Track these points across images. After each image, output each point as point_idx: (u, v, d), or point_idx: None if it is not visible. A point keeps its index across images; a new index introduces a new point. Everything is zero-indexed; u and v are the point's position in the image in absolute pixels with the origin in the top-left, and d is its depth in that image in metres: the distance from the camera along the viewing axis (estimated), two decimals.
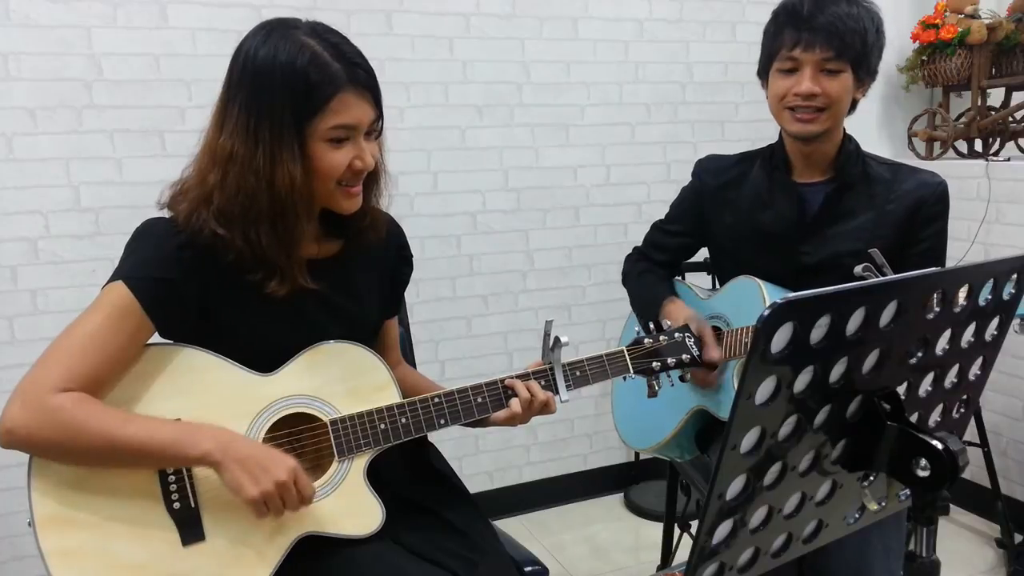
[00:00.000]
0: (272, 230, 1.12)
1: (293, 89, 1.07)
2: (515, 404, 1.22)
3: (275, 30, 1.09)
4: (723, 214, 1.64)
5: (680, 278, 1.81)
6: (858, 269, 1.35)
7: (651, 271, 1.76)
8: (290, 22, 1.11)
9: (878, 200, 1.51)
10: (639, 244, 1.83)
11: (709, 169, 1.68)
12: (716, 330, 1.58)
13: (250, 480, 1.04)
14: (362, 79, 1.10)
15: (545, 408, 1.25)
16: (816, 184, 1.55)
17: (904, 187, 1.51)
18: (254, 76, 1.08)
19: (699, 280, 1.85)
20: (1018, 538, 2.37)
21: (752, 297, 1.51)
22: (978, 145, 2.72)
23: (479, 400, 1.22)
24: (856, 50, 1.41)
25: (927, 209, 1.49)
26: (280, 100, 1.07)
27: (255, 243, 1.12)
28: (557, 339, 1.23)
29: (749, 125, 2.84)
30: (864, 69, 1.45)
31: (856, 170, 1.53)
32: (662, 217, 1.79)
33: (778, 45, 1.46)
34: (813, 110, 1.44)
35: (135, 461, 1.08)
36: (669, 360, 1.32)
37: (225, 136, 1.10)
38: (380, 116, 1.15)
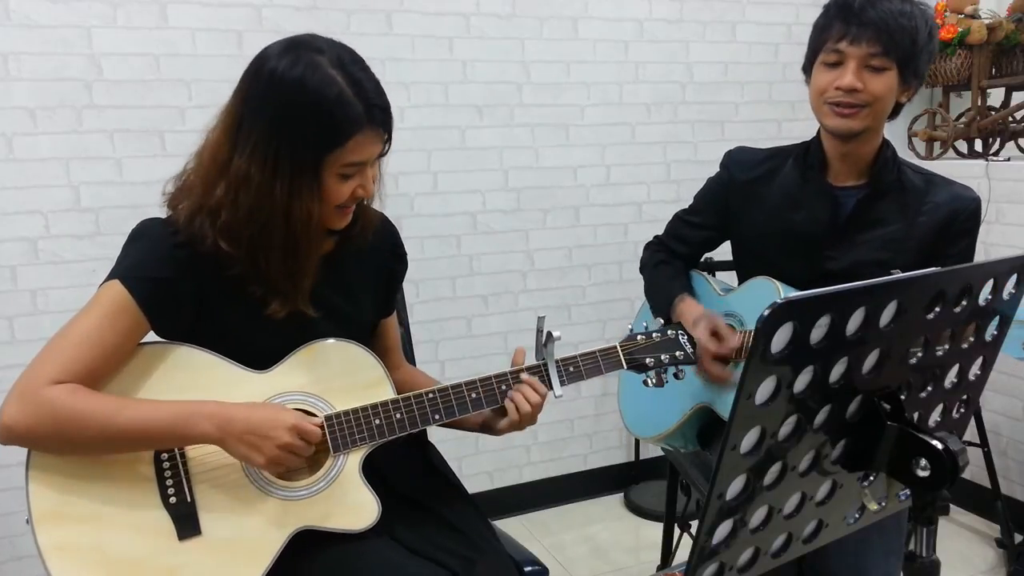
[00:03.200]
0: (282, 259, 1.13)
1: (318, 125, 1.06)
2: (513, 413, 1.22)
3: (303, 54, 1.07)
4: (750, 210, 1.60)
5: (699, 271, 1.78)
6: None
7: (668, 262, 1.72)
8: (314, 44, 1.09)
9: (910, 211, 1.47)
10: (660, 233, 1.79)
11: (739, 162, 1.64)
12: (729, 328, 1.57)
13: (254, 451, 1.08)
14: (379, 119, 1.10)
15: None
16: (850, 188, 1.51)
17: (937, 199, 1.47)
18: (279, 101, 1.06)
19: None
20: (1018, 538, 2.37)
21: (768, 298, 1.49)
22: (978, 145, 2.72)
23: (473, 396, 1.22)
24: (904, 49, 1.37)
25: (959, 224, 1.46)
26: (302, 134, 1.06)
27: (262, 267, 1.13)
28: (549, 334, 1.23)
29: (749, 125, 2.84)
30: (911, 70, 1.40)
31: (891, 177, 1.49)
32: (685, 207, 1.75)
33: (825, 38, 1.42)
34: (854, 106, 1.40)
35: (134, 446, 1.09)
36: (662, 357, 1.32)
37: (240, 158, 1.08)
38: (388, 140, 1.15)
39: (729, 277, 1.80)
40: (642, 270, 1.78)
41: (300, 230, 1.11)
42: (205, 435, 1.08)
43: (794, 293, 1.47)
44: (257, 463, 1.09)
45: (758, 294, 1.54)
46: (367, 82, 1.09)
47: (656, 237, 1.80)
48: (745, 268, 1.66)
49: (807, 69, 1.50)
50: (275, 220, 1.10)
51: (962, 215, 1.46)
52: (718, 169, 1.68)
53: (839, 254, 1.50)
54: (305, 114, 1.06)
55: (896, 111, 1.47)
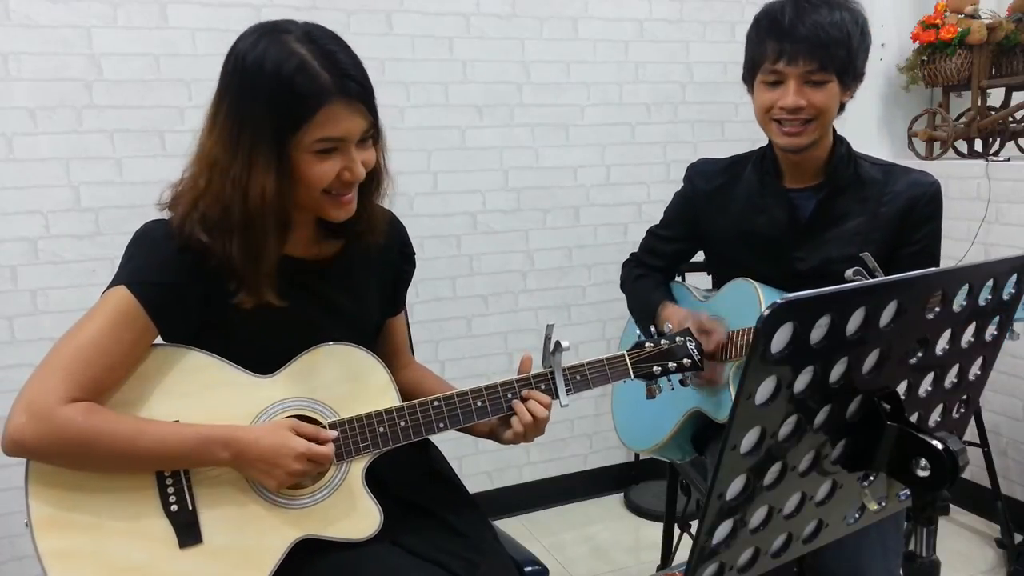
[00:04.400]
0: (243, 242, 1.09)
1: (277, 98, 1.04)
2: (516, 425, 1.21)
3: (267, 34, 1.06)
4: (717, 217, 1.63)
5: (679, 279, 1.80)
6: (848, 273, 1.34)
7: (646, 276, 1.75)
8: (284, 26, 1.08)
9: (870, 203, 1.50)
10: (635, 250, 1.82)
11: (701, 173, 1.67)
12: None
13: (266, 476, 1.09)
14: (353, 91, 1.06)
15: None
16: (807, 189, 1.53)
17: (896, 188, 1.49)
18: (241, 80, 1.06)
19: (698, 281, 1.84)
20: (1018, 538, 2.37)
21: (748, 299, 1.51)
22: (978, 145, 2.72)
23: (479, 404, 1.21)
24: (840, 59, 1.38)
25: (920, 210, 1.48)
26: (262, 109, 1.04)
27: (228, 254, 1.10)
28: (558, 343, 1.22)
29: (749, 125, 2.80)
30: (850, 75, 1.42)
31: (848, 173, 1.51)
32: (658, 221, 1.78)
33: (761, 56, 1.44)
34: (800, 123, 1.42)
35: (146, 468, 1.09)
36: (670, 364, 1.31)
37: (210, 141, 1.08)
38: (374, 124, 1.12)
39: (698, 279, 1.84)
40: (623, 287, 1.81)
41: (255, 208, 1.07)
42: (221, 462, 1.09)
43: (774, 293, 1.49)
44: (270, 486, 1.11)
45: (738, 295, 1.55)
46: (340, 54, 1.07)
47: (632, 254, 1.82)
48: (720, 273, 1.69)
49: (746, 80, 1.52)
50: (235, 200, 1.07)
51: (922, 200, 1.48)
52: (682, 183, 1.71)
53: (807, 254, 1.52)
54: (264, 89, 1.04)
55: (840, 109, 1.48)
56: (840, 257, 1.47)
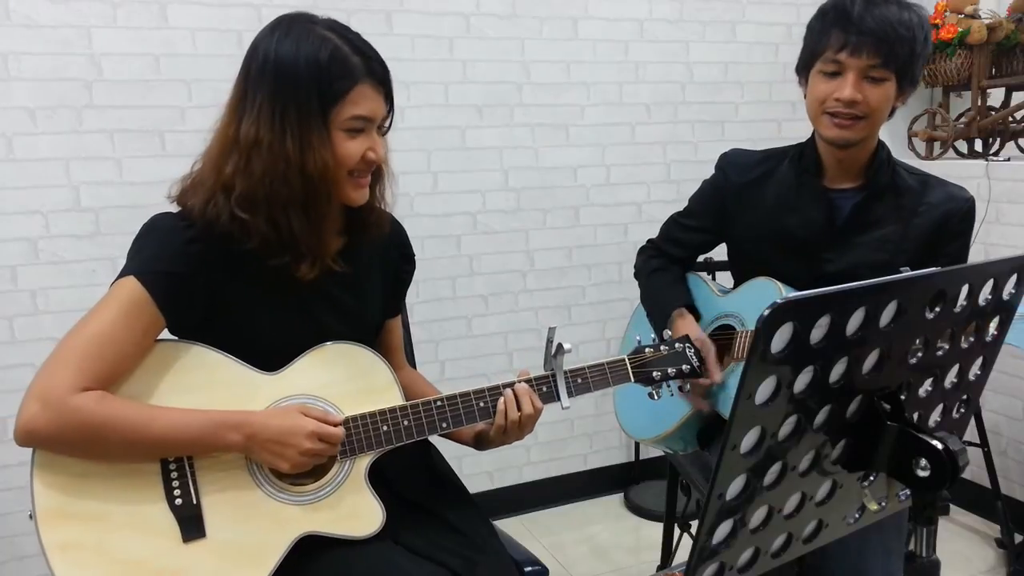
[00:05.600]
0: (304, 214, 1.13)
1: (318, 78, 1.09)
2: (499, 417, 1.22)
3: (294, 25, 1.12)
4: (746, 213, 1.59)
5: (697, 272, 1.76)
6: None
7: (664, 270, 1.71)
8: (307, 16, 1.14)
9: (905, 212, 1.47)
10: (654, 236, 1.78)
11: (734, 164, 1.63)
12: (729, 329, 1.57)
13: (278, 459, 1.10)
14: (378, 73, 1.14)
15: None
16: (846, 191, 1.51)
17: (931, 200, 1.47)
18: (277, 68, 1.10)
19: None
20: (1018, 538, 2.37)
21: (769, 299, 1.49)
22: (978, 145, 2.72)
23: (481, 404, 1.22)
24: (903, 59, 1.36)
25: (953, 224, 1.46)
26: (305, 89, 1.09)
27: (284, 227, 1.13)
28: (560, 346, 1.23)
29: (749, 125, 2.84)
30: (908, 79, 1.40)
31: (886, 179, 1.49)
32: (679, 210, 1.74)
33: (823, 46, 1.40)
34: (852, 117, 1.39)
35: (159, 455, 1.10)
36: (669, 370, 1.33)
37: (247, 124, 1.10)
38: (391, 110, 1.18)
39: (728, 277, 1.78)
40: (637, 276, 1.77)
41: (318, 181, 1.12)
42: (233, 445, 1.10)
43: (795, 293, 1.47)
44: (283, 468, 1.11)
45: (760, 294, 1.53)
46: (362, 43, 1.14)
47: (650, 240, 1.79)
48: (741, 270, 1.65)
49: (801, 71, 1.49)
50: (291, 175, 1.11)
51: (956, 216, 1.46)
52: (713, 171, 1.68)
53: (836, 256, 1.50)
54: (305, 71, 1.09)
55: (891, 114, 1.47)
56: (868, 263, 1.46)
